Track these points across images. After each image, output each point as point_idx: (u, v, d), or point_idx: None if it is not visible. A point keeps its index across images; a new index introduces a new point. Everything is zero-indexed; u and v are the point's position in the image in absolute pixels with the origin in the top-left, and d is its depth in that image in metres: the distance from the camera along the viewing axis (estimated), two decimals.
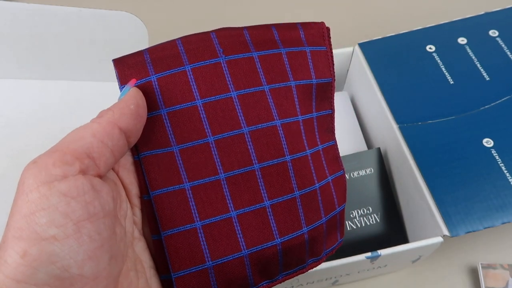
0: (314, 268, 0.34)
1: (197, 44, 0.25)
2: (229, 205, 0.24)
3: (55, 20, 0.43)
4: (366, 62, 0.45)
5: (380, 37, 0.46)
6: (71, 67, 0.47)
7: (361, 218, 0.41)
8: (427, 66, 0.44)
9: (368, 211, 0.42)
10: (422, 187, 0.38)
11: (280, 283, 0.26)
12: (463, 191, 0.37)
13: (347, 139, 0.47)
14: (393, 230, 0.42)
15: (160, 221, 0.24)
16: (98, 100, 0.47)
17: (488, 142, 0.39)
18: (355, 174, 0.42)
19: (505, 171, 0.37)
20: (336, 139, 0.46)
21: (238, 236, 0.24)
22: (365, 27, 0.62)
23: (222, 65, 0.25)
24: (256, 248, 0.24)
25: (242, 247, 0.24)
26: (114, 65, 0.25)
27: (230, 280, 0.24)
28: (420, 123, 0.41)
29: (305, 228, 0.25)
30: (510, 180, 0.37)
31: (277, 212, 0.25)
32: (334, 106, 0.29)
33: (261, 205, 0.25)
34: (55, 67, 0.48)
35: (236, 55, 0.25)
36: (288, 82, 0.26)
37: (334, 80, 0.28)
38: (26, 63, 0.47)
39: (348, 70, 0.50)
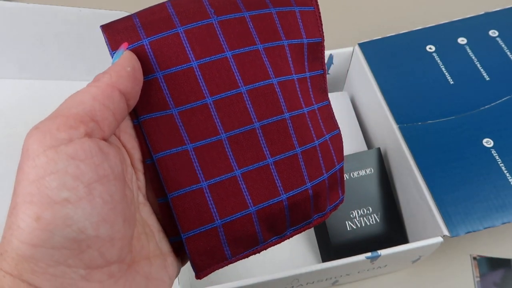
0: (314, 268, 0.34)
1: (187, 6, 0.25)
2: (232, 164, 0.25)
3: (55, 20, 0.43)
4: (366, 62, 0.45)
5: (380, 37, 0.46)
6: (71, 67, 0.47)
7: (361, 218, 0.41)
8: (427, 66, 0.44)
9: (368, 211, 0.42)
10: (422, 187, 0.38)
11: (289, 238, 0.26)
12: (463, 191, 0.37)
13: (347, 139, 0.47)
14: (393, 230, 0.42)
15: (165, 184, 0.24)
16: None
17: (488, 142, 0.39)
18: (355, 174, 0.42)
19: (505, 171, 0.37)
20: None
21: (244, 193, 0.24)
22: (365, 27, 0.62)
23: (215, 25, 0.25)
24: (263, 205, 0.25)
25: (249, 204, 0.24)
26: (103, 30, 0.24)
27: (239, 237, 0.24)
28: (420, 123, 0.41)
29: (309, 184, 0.26)
30: (510, 180, 0.37)
31: (280, 169, 0.25)
32: (325, 67, 0.29)
33: (264, 162, 0.25)
34: (55, 67, 0.48)
35: (227, 15, 0.25)
36: (281, 41, 0.26)
37: (324, 40, 0.28)
38: (26, 63, 0.47)
39: (348, 70, 0.50)
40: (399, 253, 0.35)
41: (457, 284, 0.43)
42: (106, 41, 0.24)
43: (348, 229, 0.41)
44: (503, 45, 0.44)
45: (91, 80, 0.48)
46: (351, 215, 0.41)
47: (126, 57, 0.22)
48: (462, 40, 0.45)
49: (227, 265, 0.25)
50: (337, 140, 0.29)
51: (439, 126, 0.40)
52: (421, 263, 0.44)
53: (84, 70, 0.47)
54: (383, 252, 0.35)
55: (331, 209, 0.28)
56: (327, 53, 0.47)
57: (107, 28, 0.24)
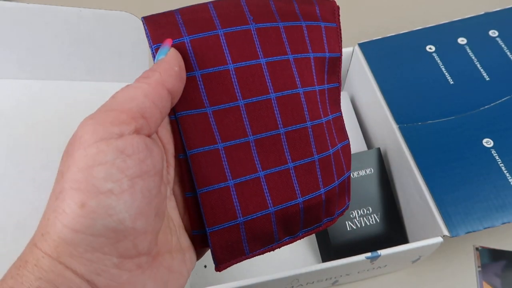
0: (314, 268, 0.34)
1: (228, 9, 0.26)
2: (257, 165, 0.26)
3: (55, 20, 0.43)
4: (366, 62, 0.45)
5: (380, 37, 0.46)
6: (71, 67, 0.47)
7: (361, 218, 0.41)
8: (427, 66, 0.44)
9: (368, 211, 0.42)
10: (422, 187, 0.38)
11: (300, 239, 0.28)
12: (463, 191, 0.37)
13: None
14: (393, 230, 0.42)
15: (196, 179, 0.25)
16: (98, 100, 0.47)
17: (488, 142, 0.39)
18: (355, 174, 0.42)
19: (505, 171, 0.37)
20: None
21: (266, 194, 0.26)
22: (365, 27, 0.62)
23: (252, 32, 0.26)
24: (281, 206, 0.26)
25: (269, 204, 0.26)
26: (145, 22, 0.25)
27: (257, 234, 0.26)
28: (420, 123, 0.41)
29: (323, 189, 0.27)
30: (510, 180, 0.37)
31: (299, 174, 0.27)
32: (341, 80, 0.30)
33: (286, 166, 0.26)
34: (55, 67, 0.48)
35: (264, 24, 0.26)
36: (308, 54, 0.27)
37: (342, 55, 0.30)
38: (26, 63, 0.47)
39: (348, 70, 0.50)
40: (399, 253, 0.35)
41: (457, 284, 0.43)
42: (147, 33, 0.25)
43: (348, 229, 0.41)
44: (503, 45, 0.44)
45: (91, 80, 0.48)
46: (351, 215, 0.41)
47: (173, 56, 0.23)
48: (462, 40, 0.45)
49: (244, 260, 0.26)
50: (347, 149, 0.30)
51: (439, 126, 0.40)
52: (421, 263, 0.44)
53: (84, 70, 0.47)
54: (383, 252, 0.35)
55: (338, 214, 0.30)
56: None
57: (149, 21, 0.25)
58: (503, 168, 0.37)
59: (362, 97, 0.47)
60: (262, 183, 0.26)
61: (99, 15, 0.43)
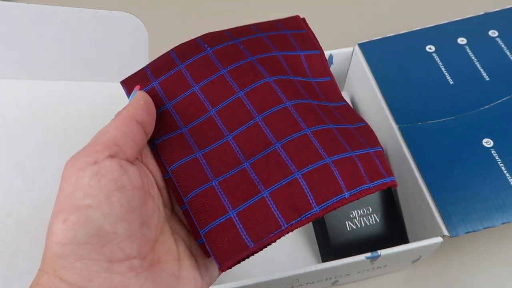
0: (314, 268, 0.34)
1: (186, 47, 0.29)
2: (240, 157, 0.26)
3: (55, 20, 0.43)
4: (366, 62, 0.45)
5: (380, 37, 0.46)
6: (71, 67, 0.47)
7: (361, 218, 0.41)
8: (427, 66, 0.44)
9: (368, 211, 0.42)
10: (422, 187, 0.38)
11: (319, 216, 0.24)
12: (463, 191, 0.37)
13: None
14: (393, 230, 0.42)
15: (181, 190, 0.26)
16: (98, 100, 0.47)
17: (488, 142, 0.39)
18: None
19: (505, 171, 0.37)
20: None
21: (255, 180, 0.25)
22: (365, 27, 0.62)
23: (209, 55, 0.29)
24: (276, 186, 0.25)
25: (260, 189, 0.25)
26: (122, 84, 0.29)
27: (256, 223, 0.24)
28: (420, 123, 0.41)
29: (328, 159, 0.25)
30: (510, 180, 0.37)
31: (290, 150, 0.25)
32: (332, 75, 0.31)
33: (272, 148, 0.26)
34: (55, 67, 0.47)
35: (220, 45, 0.29)
36: (274, 52, 0.29)
37: (323, 52, 0.31)
38: (26, 63, 0.47)
39: (348, 70, 0.50)
40: (399, 253, 0.35)
41: (457, 284, 0.43)
42: (124, 91, 0.29)
43: (348, 229, 0.41)
44: (503, 45, 0.44)
45: (91, 80, 0.48)
46: (351, 215, 0.41)
47: (139, 95, 0.27)
48: (462, 40, 0.45)
49: (251, 253, 0.24)
50: (365, 130, 0.28)
51: (439, 126, 0.40)
52: (421, 263, 0.44)
53: (84, 70, 0.47)
54: (383, 252, 0.35)
55: (375, 185, 0.26)
56: (327, 53, 0.47)
57: (124, 82, 0.30)
58: (503, 168, 0.37)
59: (362, 97, 0.47)
60: (249, 172, 0.25)
61: (99, 15, 0.43)
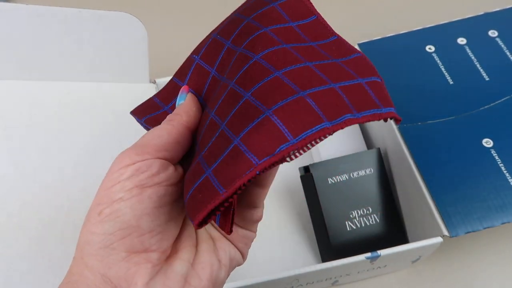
0: (314, 268, 0.34)
1: (185, 67, 0.31)
2: (217, 121, 0.25)
3: (55, 20, 0.43)
4: None
5: (380, 37, 0.46)
6: (71, 67, 0.47)
7: (361, 218, 0.41)
8: (427, 66, 0.44)
9: (368, 211, 0.42)
10: (422, 187, 0.38)
11: (298, 147, 0.21)
12: (463, 191, 0.37)
13: (347, 139, 0.47)
14: (393, 230, 0.42)
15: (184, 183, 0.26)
16: (98, 100, 0.47)
17: (488, 142, 0.39)
18: (355, 174, 0.42)
19: (505, 171, 0.37)
20: (336, 139, 0.46)
21: (226, 132, 0.24)
22: (365, 27, 0.62)
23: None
24: (246, 129, 0.23)
25: (232, 138, 0.23)
26: (132, 114, 0.31)
27: (228, 168, 0.22)
28: (420, 123, 0.41)
29: (302, 92, 0.22)
30: (510, 180, 0.37)
31: (257, 94, 0.23)
32: (336, 33, 0.28)
33: (242, 100, 0.24)
34: (55, 67, 0.47)
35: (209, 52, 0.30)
36: (263, 29, 0.28)
37: (319, 14, 0.29)
38: (26, 63, 0.47)
39: None
40: (399, 253, 0.35)
41: (457, 284, 0.43)
42: (136, 119, 0.31)
43: (348, 229, 0.41)
44: (502, 45, 0.44)
45: (91, 80, 0.48)
46: (351, 215, 0.41)
47: (190, 100, 0.28)
48: (462, 40, 0.45)
49: (225, 199, 0.21)
50: (358, 61, 0.25)
51: (439, 126, 0.40)
52: (421, 263, 0.44)
53: (84, 71, 0.47)
54: (383, 252, 0.35)
55: (363, 115, 0.22)
56: None
57: (134, 112, 0.32)
58: (503, 168, 0.37)
59: None
60: (225, 131, 0.24)
61: (99, 16, 0.43)
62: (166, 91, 0.31)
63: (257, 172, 0.21)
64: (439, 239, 0.35)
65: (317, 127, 0.21)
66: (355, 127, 0.47)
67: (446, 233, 0.35)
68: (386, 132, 0.43)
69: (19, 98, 0.48)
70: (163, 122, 0.26)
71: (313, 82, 0.23)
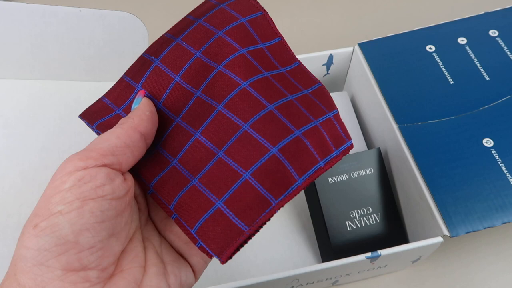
0: (314, 268, 0.34)
1: (137, 65, 0.30)
2: (213, 149, 0.26)
3: (55, 20, 0.43)
4: (366, 62, 0.45)
5: (380, 37, 0.46)
6: (71, 67, 0.47)
7: (361, 218, 0.41)
8: (427, 66, 0.44)
9: (368, 211, 0.42)
10: (422, 187, 0.38)
11: (303, 188, 0.25)
12: (463, 191, 0.37)
13: None
14: (393, 230, 0.42)
15: (165, 200, 0.26)
16: None
17: (488, 142, 0.39)
18: (355, 174, 0.42)
19: (505, 171, 0.37)
20: None
21: (233, 166, 0.25)
22: (365, 27, 0.62)
23: (158, 65, 0.29)
24: (256, 166, 0.24)
25: (240, 171, 0.24)
26: (81, 117, 0.29)
27: (246, 206, 0.24)
28: (420, 123, 0.41)
29: (297, 131, 0.25)
30: (510, 180, 0.37)
31: (259, 128, 0.25)
32: (281, 34, 0.30)
33: (241, 131, 0.25)
34: (55, 67, 0.47)
35: (165, 51, 0.29)
36: (216, 34, 0.28)
37: (266, 12, 0.30)
38: (26, 63, 0.47)
39: (348, 70, 0.50)
40: (399, 253, 0.35)
41: (457, 284, 0.43)
42: (86, 123, 0.29)
43: (348, 229, 0.41)
44: (503, 45, 0.44)
45: (91, 80, 0.48)
46: (351, 215, 0.41)
47: (145, 103, 0.27)
48: (462, 40, 0.45)
49: (246, 238, 0.24)
50: (320, 92, 0.28)
51: (439, 126, 0.40)
52: (421, 263, 0.44)
53: (84, 70, 0.47)
54: (383, 252, 0.35)
55: (340, 152, 0.27)
56: (327, 53, 0.47)
57: (84, 115, 0.30)
58: (503, 168, 0.37)
59: (362, 97, 0.47)
60: (226, 160, 0.25)
61: (99, 15, 0.43)
62: (116, 91, 0.30)
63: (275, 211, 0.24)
64: (439, 239, 0.35)
65: (315, 167, 0.25)
66: (355, 127, 0.47)
67: (446, 233, 0.35)
68: (386, 132, 0.43)
69: (20, 98, 0.48)
70: (114, 126, 0.25)
71: (302, 118, 0.26)
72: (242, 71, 0.27)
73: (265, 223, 0.24)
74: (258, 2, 0.30)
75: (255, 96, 0.26)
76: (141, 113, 0.26)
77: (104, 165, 0.23)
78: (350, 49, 0.47)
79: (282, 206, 0.24)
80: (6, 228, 0.39)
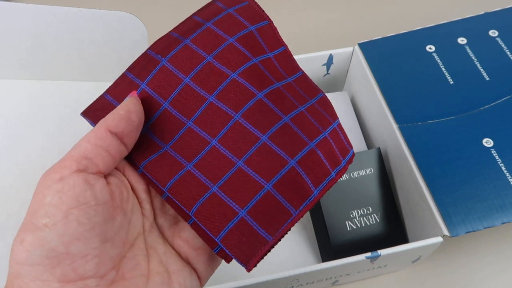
0: (314, 268, 0.34)
1: (140, 63, 0.30)
2: (231, 158, 0.26)
3: (55, 20, 0.43)
4: (366, 62, 0.45)
5: (380, 37, 0.46)
6: (71, 67, 0.47)
7: (361, 218, 0.41)
8: (427, 66, 0.44)
9: (368, 211, 0.42)
10: (422, 187, 0.38)
11: (318, 199, 0.26)
12: (463, 191, 0.37)
13: None
14: (393, 230, 0.42)
15: (183, 205, 0.26)
16: None
17: (488, 142, 0.39)
18: (355, 174, 0.42)
19: (505, 171, 0.37)
20: None
21: (254, 176, 0.25)
22: (365, 27, 0.62)
23: (166, 65, 0.28)
24: (276, 178, 0.25)
25: (262, 182, 0.25)
26: (83, 115, 0.29)
27: (270, 216, 0.25)
28: (420, 123, 0.41)
29: (311, 143, 0.26)
30: (510, 180, 0.37)
31: (277, 140, 0.26)
32: (285, 43, 0.30)
33: (260, 142, 0.26)
34: (55, 67, 0.48)
35: (173, 51, 0.29)
36: (227, 41, 0.28)
37: (271, 20, 0.30)
38: (26, 63, 0.47)
39: (348, 70, 0.50)
40: (399, 253, 0.35)
41: (457, 283, 0.43)
42: (88, 121, 0.29)
43: (348, 229, 0.41)
44: (503, 45, 0.44)
45: (91, 80, 0.48)
46: (351, 215, 0.41)
47: (124, 103, 0.26)
48: (462, 40, 0.45)
49: (270, 247, 0.25)
50: (324, 101, 0.29)
51: (439, 126, 0.40)
52: (421, 263, 0.44)
53: (84, 70, 0.47)
54: (383, 252, 0.35)
55: (346, 161, 0.29)
56: (327, 53, 0.47)
57: (85, 113, 0.29)
58: (503, 168, 0.37)
59: (362, 97, 0.47)
60: (246, 170, 0.25)
61: (99, 15, 0.43)
62: (119, 87, 0.30)
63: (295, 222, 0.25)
64: (439, 239, 0.35)
65: (328, 178, 0.27)
66: (355, 127, 0.47)
67: (446, 233, 0.35)
68: (386, 132, 0.43)
69: (20, 98, 0.48)
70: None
71: (314, 130, 0.27)
72: (256, 81, 0.27)
73: (286, 233, 0.25)
74: (263, 10, 0.30)
75: (271, 108, 0.27)
76: (114, 112, 0.25)
77: (80, 171, 0.23)
78: (350, 49, 0.47)
79: (302, 216, 0.26)
80: (6, 228, 0.39)
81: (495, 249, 0.45)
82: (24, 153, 0.44)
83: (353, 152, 0.29)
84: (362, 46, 0.46)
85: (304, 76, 0.30)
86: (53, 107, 0.47)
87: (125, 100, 0.26)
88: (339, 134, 0.29)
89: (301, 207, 0.26)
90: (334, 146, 0.28)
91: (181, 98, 0.27)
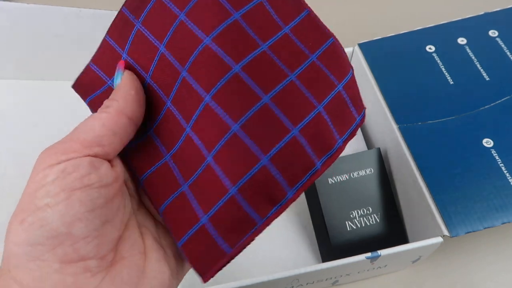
0: (314, 268, 0.34)
1: (119, 25, 0.26)
2: (204, 153, 0.22)
3: (55, 20, 0.43)
4: (366, 62, 0.45)
5: (380, 37, 0.46)
6: (71, 67, 0.47)
7: (361, 218, 0.41)
8: (427, 66, 0.44)
9: (368, 211, 0.42)
10: (422, 187, 0.38)
11: (294, 201, 0.22)
12: (463, 191, 0.37)
13: None
14: (393, 230, 0.42)
15: (153, 199, 0.24)
16: None
17: (488, 142, 0.39)
18: (355, 174, 0.42)
19: (505, 171, 0.37)
20: None
21: (221, 177, 0.22)
22: (365, 27, 0.62)
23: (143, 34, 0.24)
24: (243, 180, 0.21)
25: (228, 186, 0.21)
26: (74, 88, 0.27)
27: (230, 225, 0.22)
28: (420, 123, 0.41)
29: (295, 129, 0.22)
30: (510, 180, 0.37)
31: (250, 131, 0.21)
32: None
33: (230, 133, 0.21)
34: (55, 67, 0.48)
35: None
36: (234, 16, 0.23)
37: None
38: (25, 63, 0.47)
39: None
40: (399, 253, 0.35)
41: (457, 284, 0.43)
42: (79, 95, 0.26)
43: (348, 229, 0.41)
44: (503, 45, 0.44)
45: None
46: (351, 215, 0.41)
47: (128, 79, 0.24)
48: (462, 40, 0.45)
49: (229, 259, 0.22)
50: (332, 52, 0.24)
51: (439, 126, 0.40)
52: (421, 263, 0.44)
53: None
54: (383, 252, 0.35)
55: (346, 137, 0.24)
56: None
57: (76, 86, 0.27)
58: (503, 168, 0.37)
59: (362, 97, 0.47)
60: (213, 167, 0.22)
61: (99, 15, 0.43)
62: (103, 55, 0.26)
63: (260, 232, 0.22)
64: (439, 239, 0.35)
65: (310, 173, 0.22)
66: None
67: (446, 233, 0.35)
68: (386, 132, 0.43)
69: (19, 98, 0.48)
70: (98, 110, 0.23)
71: (302, 109, 0.22)
72: (234, 48, 0.22)
73: (249, 243, 0.22)
74: None
75: (248, 85, 0.22)
76: (125, 94, 0.23)
77: (88, 156, 0.22)
78: (350, 49, 0.47)
79: (268, 225, 0.22)
80: (6, 228, 0.39)
81: (495, 249, 0.45)
82: (24, 153, 0.44)
83: (363, 115, 0.24)
84: (362, 46, 0.46)
85: (309, 17, 0.25)
86: (53, 107, 0.47)
87: (121, 76, 0.24)
88: (344, 99, 0.23)
89: (269, 214, 0.22)
90: (330, 123, 0.23)
91: (159, 71, 0.24)
